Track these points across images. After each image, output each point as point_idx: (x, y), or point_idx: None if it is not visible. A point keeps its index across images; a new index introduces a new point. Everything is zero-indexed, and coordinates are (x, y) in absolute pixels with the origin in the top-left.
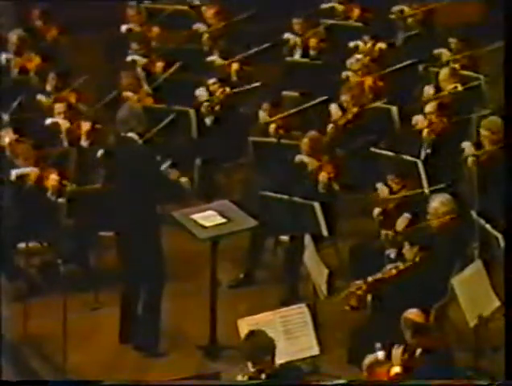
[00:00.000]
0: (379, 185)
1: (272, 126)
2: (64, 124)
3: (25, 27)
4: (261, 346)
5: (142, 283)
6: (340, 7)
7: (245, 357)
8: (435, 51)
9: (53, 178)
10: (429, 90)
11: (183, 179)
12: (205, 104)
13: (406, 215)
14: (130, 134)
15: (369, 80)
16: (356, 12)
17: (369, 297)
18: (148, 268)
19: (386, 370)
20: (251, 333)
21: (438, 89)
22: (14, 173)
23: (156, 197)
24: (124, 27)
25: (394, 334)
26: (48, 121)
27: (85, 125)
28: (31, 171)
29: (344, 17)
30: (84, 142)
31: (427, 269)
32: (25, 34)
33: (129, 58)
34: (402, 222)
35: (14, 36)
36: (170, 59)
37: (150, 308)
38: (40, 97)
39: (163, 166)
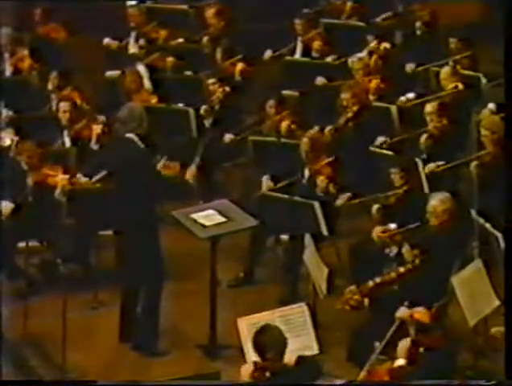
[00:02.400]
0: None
1: (284, 123)
2: (67, 124)
3: (23, 26)
4: (273, 341)
5: (142, 282)
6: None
7: (255, 350)
8: (436, 51)
9: (62, 178)
10: (409, 96)
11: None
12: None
13: (392, 226)
14: (130, 135)
15: (373, 83)
16: (348, 7)
17: (365, 301)
18: (147, 267)
19: (387, 369)
20: (265, 327)
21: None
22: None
23: (156, 196)
24: (125, 27)
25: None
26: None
27: (96, 128)
28: (6, 206)
29: (338, 12)
30: (94, 145)
31: (426, 269)
32: (14, 32)
33: (133, 59)
34: (379, 229)
35: (2, 35)
36: (172, 58)
37: (149, 307)
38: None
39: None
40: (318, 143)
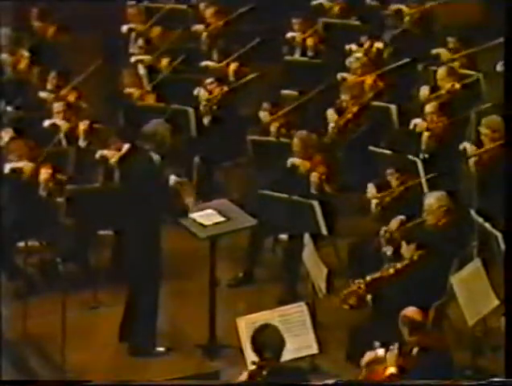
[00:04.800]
0: (370, 185)
1: (274, 125)
2: (63, 124)
3: (22, 26)
4: (271, 341)
5: (140, 282)
6: (328, 4)
7: (253, 349)
8: (434, 51)
9: (45, 172)
10: (425, 91)
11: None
12: (203, 103)
13: (401, 217)
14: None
15: (368, 80)
16: (336, 8)
17: (368, 297)
18: (146, 267)
19: (384, 368)
20: (264, 326)
21: (434, 89)
22: (8, 167)
23: (155, 196)
24: (125, 27)
25: (392, 332)
26: (46, 122)
27: (83, 124)
28: (25, 165)
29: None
30: (82, 142)
31: (425, 268)
32: (13, 33)
33: (132, 58)
34: (395, 222)
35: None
36: (171, 57)
37: (147, 308)
38: (42, 95)
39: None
40: (309, 143)
